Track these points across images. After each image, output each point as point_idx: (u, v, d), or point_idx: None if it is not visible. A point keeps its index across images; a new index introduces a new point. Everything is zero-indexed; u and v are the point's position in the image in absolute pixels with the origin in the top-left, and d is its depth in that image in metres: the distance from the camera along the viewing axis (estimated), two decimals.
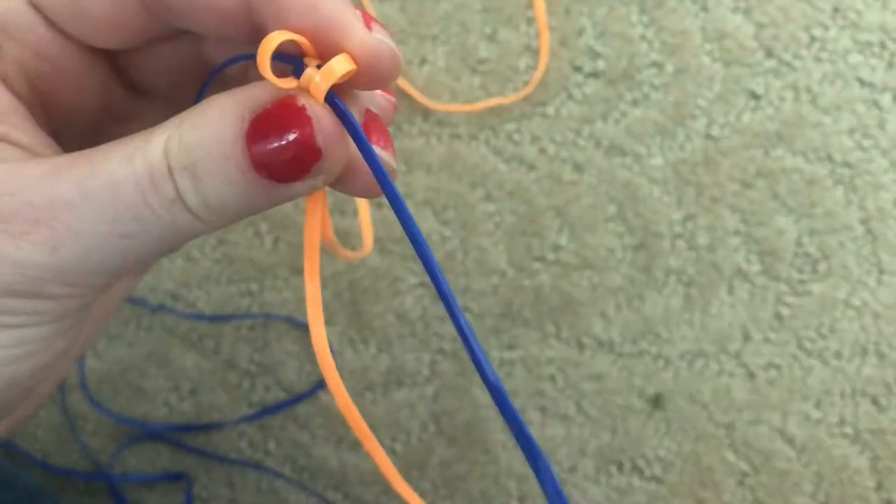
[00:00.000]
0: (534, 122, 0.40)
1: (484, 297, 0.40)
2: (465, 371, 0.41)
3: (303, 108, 0.14)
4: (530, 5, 0.40)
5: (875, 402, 0.40)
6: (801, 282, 0.40)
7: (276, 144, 0.14)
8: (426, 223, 0.41)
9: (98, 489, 0.40)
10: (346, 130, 0.15)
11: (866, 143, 0.40)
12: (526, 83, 0.41)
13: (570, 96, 0.40)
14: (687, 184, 0.40)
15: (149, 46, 0.18)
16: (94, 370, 0.40)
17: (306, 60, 0.15)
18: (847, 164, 0.40)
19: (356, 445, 0.40)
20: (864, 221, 0.40)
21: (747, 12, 0.40)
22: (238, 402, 0.41)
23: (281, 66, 0.15)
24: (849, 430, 0.40)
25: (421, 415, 0.40)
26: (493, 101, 0.40)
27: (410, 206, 0.41)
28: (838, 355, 0.40)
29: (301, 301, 0.41)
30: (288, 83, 0.14)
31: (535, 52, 0.40)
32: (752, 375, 0.40)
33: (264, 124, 0.14)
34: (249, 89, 0.15)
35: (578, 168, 0.40)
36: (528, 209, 0.40)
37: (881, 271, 0.40)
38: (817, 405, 0.40)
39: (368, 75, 0.15)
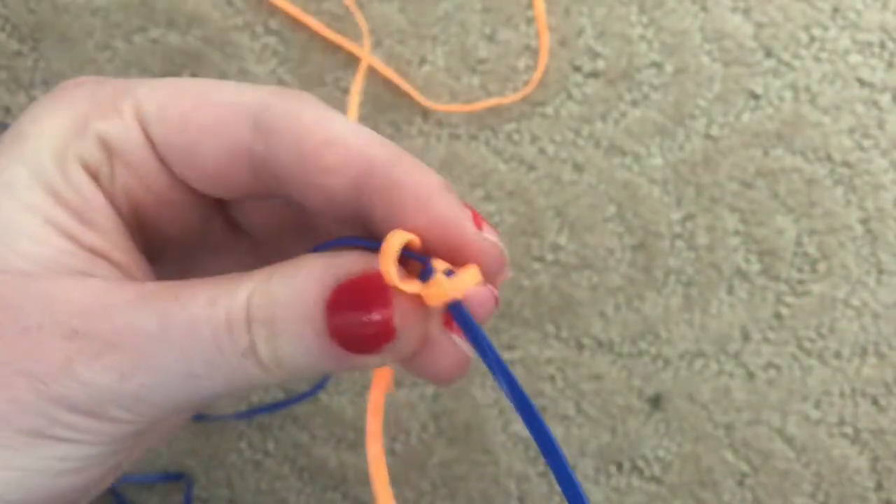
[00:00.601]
0: (533, 122, 0.40)
1: None
2: None
3: (386, 288, 0.15)
4: (530, 5, 0.40)
5: (875, 402, 0.40)
6: (801, 282, 0.40)
7: (353, 316, 0.15)
8: None
9: None
10: (444, 324, 0.15)
11: (866, 143, 0.40)
12: (525, 83, 0.41)
13: (569, 96, 0.40)
14: (686, 184, 0.40)
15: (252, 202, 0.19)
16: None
17: (434, 263, 0.14)
18: (847, 164, 0.40)
19: (355, 446, 0.41)
20: (863, 221, 0.40)
21: (747, 12, 0.40)
22: (238, 403, 0.41)
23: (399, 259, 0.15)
24: (848, 430, 0.40)
25: (421, 415, 0.40)
26: (492, 101, 0.40)
27: None
28: (838, 355, 0.40)
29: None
30: (411, 287, 0.14)
31: (534, 52, 0.41)
32: (751, 375, 0.40)
33: (347, 294, 0.15)
34: (342, 257, 0.15)
35: (578, 168, 0.40)
36: (528, 209, 0.40)
37: (881, 271, 0.40)
38: (817, 405, 0.40)
39: (478, 294, 0.16)
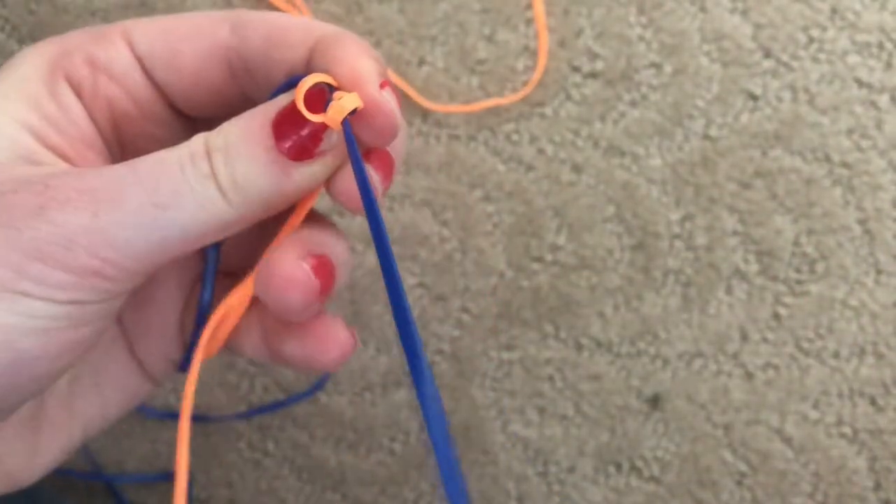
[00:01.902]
0: (532, 123, 0.40)
1: (482, 297, 0.41)
2: (464, 372, 0.41)
3: (314, 111, 0.18)
4: (529, 6, 0.41)
5: (873, 402, 0.40)
6: (799, 282, 0.40)
7: (292, 130, 0.18)
8: (425, 224, 0.41)
9: (97, 489, 0.40)
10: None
11: (864, 143, 0.40)
12: (524, 84, 0.41)
13: (568, 97, 0.40)
14: (685, 184, 0.40)
15: (224, 119, 0.21)
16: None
17: (336, 95, 0.18)
18: (845, 165, 0.40)
19: (355, 446, 0.41)
20: (861, 222, 0.40)
21: (745, 13, 0.40)
22: (237, 403, 0.41)
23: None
24: (847, 430, 0.40)
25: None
26: (491, 102, 0.40)
27: (408, 207, 0.41)
28: (836, 355, 0.40)
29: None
30: (318, 117, 0.18)
31: (533, 53, 0.41)
32: (749, 375, 0.40)
33: (286, 115, 0.18)
34: (275, 100, 0.19)
35: (577, 168, 0.40)
36: (527, 209, 0.41)
37: (879, 271, 0.40)
38: (815, 405, 0.40)
39: (370, 120, 0.18)
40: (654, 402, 0.40)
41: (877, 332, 0.40)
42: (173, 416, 0.40)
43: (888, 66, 0.40)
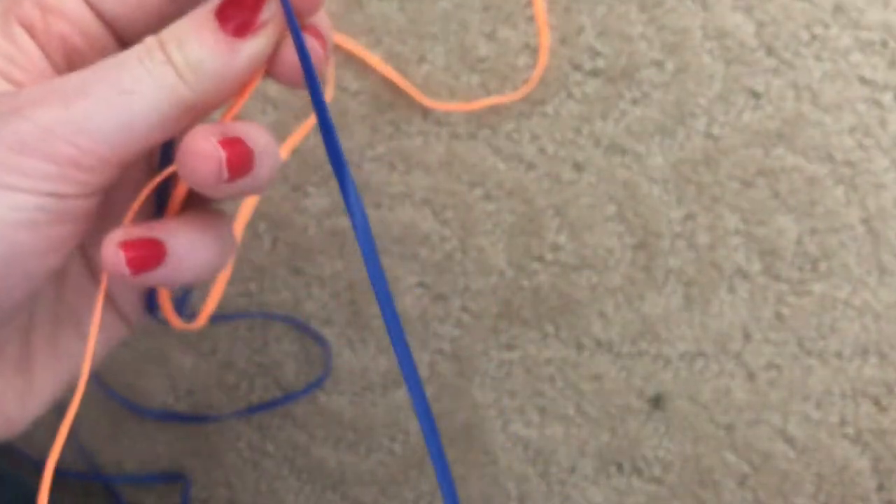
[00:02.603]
0: (533, 121, 0.40)
1: (483, 296, 0.41)
2: (465, 372, 0.41)
3: None
4: (529, 4, 0.40)
5: (876, 402, 0.40)
6: (802, 281, 0.40)
7: (235, 8, 0.20)
8: (425, 223, 0.41)
9: (95, 490, 0.40)
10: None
11: (867, 142, 0.40)
12: (525, 82, 0.41)
13: (569, 95, 0.40)
14: (687, 183, 0.40)
15: None
16: (92, 370, 0.40)
17: None
18: (848, 163, 0.40)
19: (354, 446, 0.41)
20: (864, 221, 0.40)
21: (748, 10, 0.40)
22: (236, 403, 0.41)
23: None
24: (850, 430, 0.40)
25: None
26: (492, 100, 0.40)
27: (409, 206, 0.41)
28: (839, 355, 0.40)
29: (300, 301, 0.41)
30: None
31: (534, 51, 0.41)
32: (752, 375, 0.40)
33: (228, 1, 0.20)
34: None
35: (578, 167, 0.40)
36: (528, 208, 0.41)
37: (882, 271, 0.40)
38: (818, 405, 0.40)
39: None
40: (656, 402, 0.40)
41: (880, 332, 0.40)
42: (171, 416, 0.40)
43: (892, 63, 0.40)
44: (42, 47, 0.22)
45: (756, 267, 0.40)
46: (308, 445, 0.40)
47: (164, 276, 0.22)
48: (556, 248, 0.41)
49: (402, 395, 0.40)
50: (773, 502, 0.40)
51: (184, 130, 0.21)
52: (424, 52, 0.41)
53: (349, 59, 0.41)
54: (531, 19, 0.41)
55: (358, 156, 0.41)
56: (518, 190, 0.41)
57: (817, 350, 0.40)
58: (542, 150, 0.40)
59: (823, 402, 0.40)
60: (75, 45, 0.22)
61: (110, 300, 0.25)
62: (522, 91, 0.40)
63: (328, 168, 0.41)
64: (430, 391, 0.41)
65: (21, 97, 0.19)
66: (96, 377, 0.40)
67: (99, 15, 0.22)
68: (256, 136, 0.21)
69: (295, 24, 0.20)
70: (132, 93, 0.19)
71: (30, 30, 0.21)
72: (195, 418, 0.40)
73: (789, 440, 0.40)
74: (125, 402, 0.40)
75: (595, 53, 0.40)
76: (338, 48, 0.41)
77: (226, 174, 0.21)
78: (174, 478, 0.40)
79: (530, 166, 0.41)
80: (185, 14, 0.22)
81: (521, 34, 0.41)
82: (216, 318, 0.40)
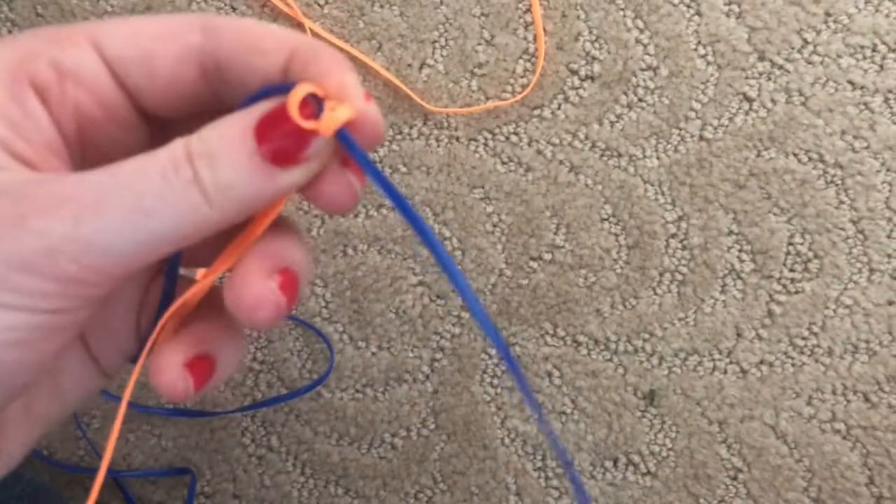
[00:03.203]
0: (531, 125, 0.41)
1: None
2: (464, 368, 0.41)
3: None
4: (527, 10, 0.41)
5: (866, 398, 0.40)
6: (793, 280, 0.40)
7: (277, 135, 0.18)
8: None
9: (104, 485, 0.41)
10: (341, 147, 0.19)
11: (858, 144, 0.40)
12: (523, 86, 0.41)
13: (566, 99, 0.41)
14: (681, 184, 0.41)
15: (191, 121, 0.21)
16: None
17: (326, 104, 0.19)
18: (839, 166, 0.40)
19: (357, 441, 0.41)
20: (855, 221, 0.40)
21: (740, 16, 0.40)
22: (242, 399, 0.41)
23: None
24: (840, 426, 0.40)
25: (421, 411, 0.41)
26: (491, 104, 0.41)
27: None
28: (830, 353, 0.40)
29: (303, 300, 0.41)
30: (310, 123, 0.18)
31: (532, 56, 0.41)
32: (744, 372, 0.40)
33: (269, 120, 0.18)
34: (255, 106, 0.18)
35: (575, 169, 0.41)
36: (526, 210, 0.41)
37: (872, 270, 0.40)
38: (809, 402, 0.40)
39: (359, 130, 0.19)
40: (651, 398, 0.41)
41: (870, 330, 0.40)
42: (178, 413, 0.41)
43: (881, 68, 0.40)
44: (53, 116, 0.19)
45: (748, 266, 0.40)
46: (312, 440, 0.41)
47: (212, 385, 0.20)
48: (553, 248, 0.41)
49: (403, 391, 0.41)
50: (765, 496, 0.40)
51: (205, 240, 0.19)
52: (425, 58, 0.41)
53: (351, 62, 0.41)
54: (529, 25, 0.41)
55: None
56: (516, 191, 0.41)
57: (808, 347, 0.40)
58: (539, 153, 0.41)
59: (814, 399, 0.40)
60: (90, 115, 0.20)
61: (93, 357, 0.23)
62: (520, 95, 0.41)
63: None
64: (430, 387, 0.41)
65: (27, 202, 0.17)
66: None
67: (122, 85, 0.20)
68: (300, 258, 0.20)
69: (369, 162, 0.18)
70: (152, 213, 0.17)
71: (42, 94, 0.19)
72: (201, 414, 0.40)
73: (781, 436, 0.40)
74: (132, 404, 0.40)
75: (591, 58, 0.41)
76: (340, 53, 0.41)
77: (284, 313, 0.19)
78: (180, 472, 0.40)
79: (528, 168, 0.41)
80: (217, 97, 0.20)
81: (519, 40, 0.41)
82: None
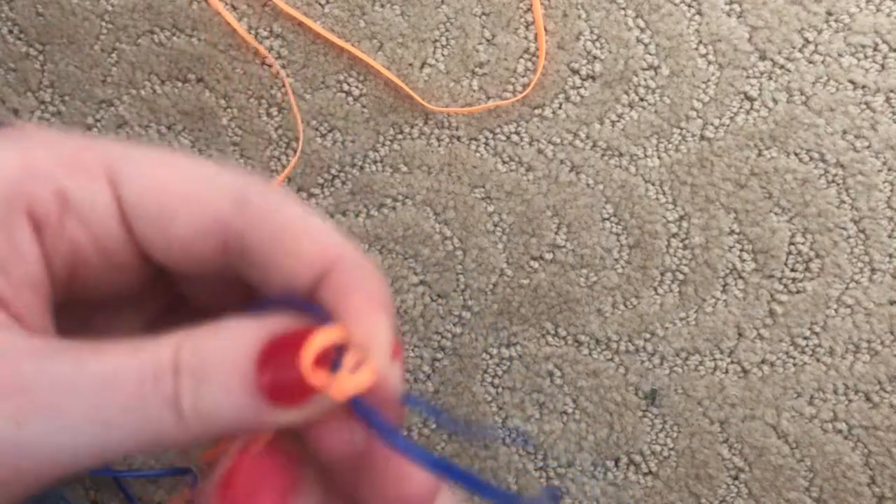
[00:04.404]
0: (532, 124, 0.41)
1: (483, 295, 0.41)
2: (465, 368, 0.41)
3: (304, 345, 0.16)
4: (528, 10, 0.41)
5: (867, 398, 0.40)
6: (795, 280, 0.40)
7: (281, 371, 0.15)
8: (426, 223, 0.41)
9: (104, 484, 0.41)
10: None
11: (859, 144, 0.40)
12: (524, 86, 0.41)
13: (567, 98, 0.41)
14: (682, 184, 0.41)
15: (200, 275, 0.19)
16: None
17: (345, 360, 0.16)
18: (840, 165, 0.40)
19: None
20: (856, 221, 0.40)
21: (741, 16, 0.40)
22: None
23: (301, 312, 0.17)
24: (842, 426, 0.40)
25: (422, 410, 0.41)
26: (492, 104, 0.41)
27: (411, 207, 0.41)
28: (831, 352, 0.40)
29: None
30: (319, 378, 0.15)
31: (533, 56, 0.41)
32: (745, 372, 0.40)
33: (278, 348, 0.15)
34: (267, 318, 0.16)
35: (576, 169, 0.41)
36: (527, 209, 0.41)
37: (873, 270, 0.40)
38: (810, 401, 0.40)
39: (372, 394, 0.16)
40: (652, 398, 0.41)
41: (871, 330, 0.40)
42: None
43: (883, 67, 0.40)
44: (45, 251, 0.17)
45: (750, 266, 0.40)
46: None
47: None
48: (554, 247, 0.41)
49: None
50: (766, 496, 0.40)
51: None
52: (426, 57, 0.41)
53: (353, 64, 0.41)
54: (530, 25, 0.41)
55: (361, 158, 0.41)
56: (517, 191, 0.41)
57: (810, 347, 0.40)
58: (540, 152, 0.41)
59: (816, 399, 0.40)
60: (85, 258, 0.17)
61: None
62: (521, 95, 0.41)
63: (332, 170, 0.41)
64: (431, 387, 0.41)
65: None
66: None
67: (129, 231, 0.17)
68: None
69: (388, 432, 0.16)
70: (111, 426, 0.15)
71: (38, 226, 0.17)
72: None
73: (782, 435, 0.40)
74: None
75: (592, 58, 0.41)
76: (341, 52, 0.41)
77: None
78: (182, 472, 0.40)
79: (529, 168, 0.41)
80: (233, 267, 0.18)
81: (520, 39, 0.41)
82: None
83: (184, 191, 0.17)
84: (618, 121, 0.41)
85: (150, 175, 0.17)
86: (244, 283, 0.19)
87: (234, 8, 0.41)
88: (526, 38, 0.41)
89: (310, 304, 0.16)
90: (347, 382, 0.15)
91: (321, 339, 0.15)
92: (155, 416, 0.15)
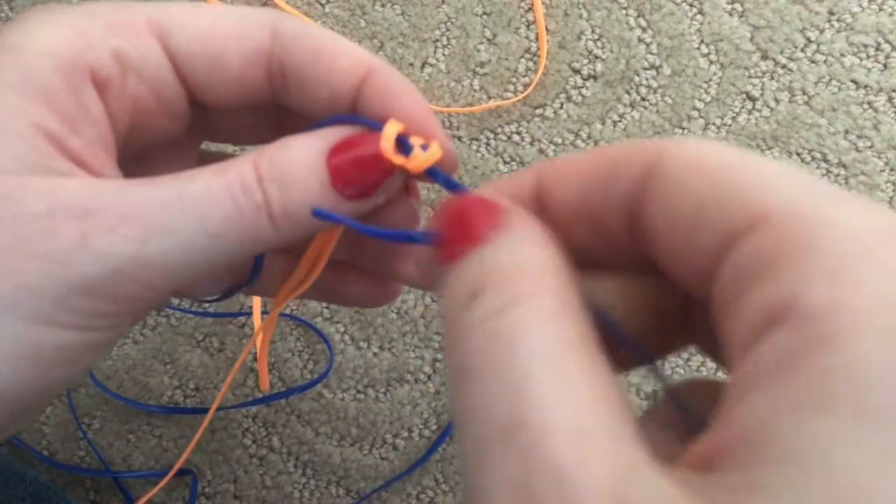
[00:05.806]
0: (533, 124, 0.41)
1: None
2: None
3: (378, 151, 0.18)
4: (529, 9, 0.41)
5: None
6: None
7: (351, 167, 0.18)
8: (427, 223, 0.41)
9: (104, 485, 0.41)
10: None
11: (861, 144, 0.40)
12: (525, 85, 0.41)
13: (568, 98, 0.41)
14: None
15: (239, 110, 0.21)
16: (101, 368, 0.41)
17: (412, 140, 0.19)
18: (842, 165, 0.40)
19: (358, 442, 0.41)
20: None
21: (743, 15, 0.41)
22: (242, 399, 0.41)
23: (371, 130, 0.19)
24: None
25: (423, 411, 0.41)
26: (493, 104, 0.41)
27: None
28: None
29: (305, 300, 0.41)
30: (399, 160, 0.18)
31: (534, 55, 0.41)
32: None
33: (344, 148, 0.18)
34: (328, 129, 0.18)
35: None
36: None
37: None
38: None
39: (443, 164, 0.19)
40: (654, 399, 0.41)
41: None
42: (178, 411, 0.41)
43: (885, 67, 0.40)
44: (110, 110, 0.19)
45: None
46: (313, 441, 0.41)
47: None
48: None
49: (404, 391, 0.41)
50: None
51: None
52: (427, 57, 0.41)
53: None
54: (531, 24, 0.41)
55: None
56: None
57: None
58: (542, 152, 0.41)
59: None
60: (146, 109, 0.19)
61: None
62: (523, 94, 0.41)
63: None
64: (432, 388, 0.41)
65: (89, 217, 0.16)
66: (93, 375, 0.41)
67: (183, 79, 0.19)
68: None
69: (462, 190, 0.18)
70: (218, 236, 0.17)
71: (102, 88, 0.18)
72: (201, 411, 0.40)
73: None
74: (130, 402, 0.40)
75: (594, 57, 0.41)
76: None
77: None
78: (181, 473, 0.40)
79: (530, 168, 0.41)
80: (276, 95, 0.20)
81: (521, 39, 0.41)
82: (222, 316, 0.41)
83: (227, 31, 0.19)
84: (619, 121, 0.41)
85: (193, 24, 0.19)
86: (280, 126, 0.22)
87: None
88: (527, 37, 0.41)
89: (352, 118, 0.19)
90: (423, 157, 0.18)
91: (392, 128, 0.18)
92: (252, 222, 0.17)
